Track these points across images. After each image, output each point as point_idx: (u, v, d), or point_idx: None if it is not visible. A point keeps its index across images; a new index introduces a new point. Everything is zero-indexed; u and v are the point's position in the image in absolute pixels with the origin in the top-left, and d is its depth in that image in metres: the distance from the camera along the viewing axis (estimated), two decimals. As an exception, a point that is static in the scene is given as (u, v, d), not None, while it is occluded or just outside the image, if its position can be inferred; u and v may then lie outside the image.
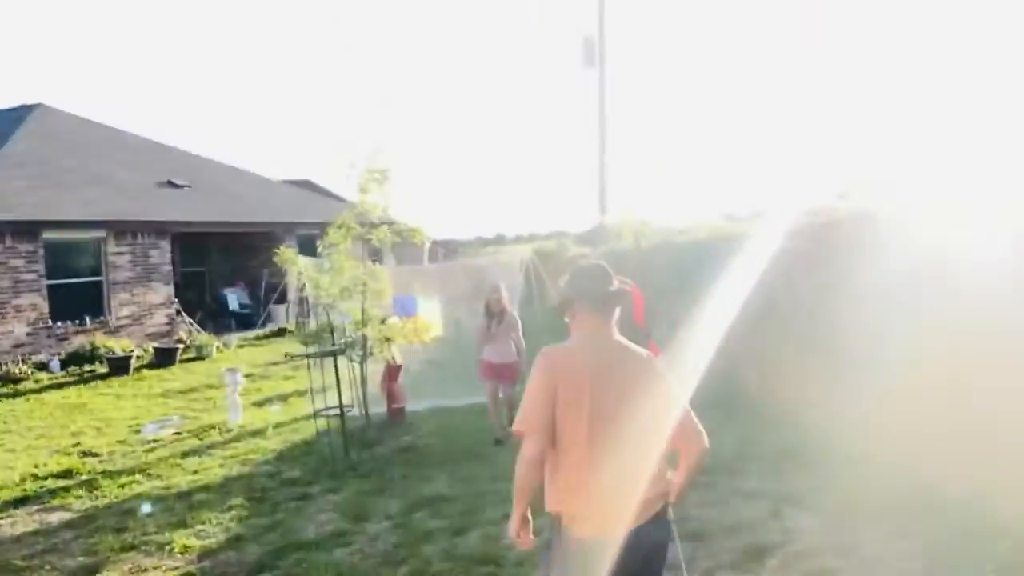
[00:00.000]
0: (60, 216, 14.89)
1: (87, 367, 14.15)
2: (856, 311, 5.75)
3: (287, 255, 7.91)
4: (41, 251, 14.41)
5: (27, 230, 14.16)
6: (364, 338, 7.59)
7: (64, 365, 14.13)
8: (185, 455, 8.02)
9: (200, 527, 5.76)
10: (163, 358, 14.81)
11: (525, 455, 2.58)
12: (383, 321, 7.94)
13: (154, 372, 14.20)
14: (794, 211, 7.82)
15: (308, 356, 7.41)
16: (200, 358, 15.41)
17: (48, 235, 14.53)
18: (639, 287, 12.98)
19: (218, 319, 18.89)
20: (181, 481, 7.04)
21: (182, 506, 6.30)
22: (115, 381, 13.29)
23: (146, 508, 5.33)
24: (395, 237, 7.85)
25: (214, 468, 7.41)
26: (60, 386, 12.98)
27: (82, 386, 12.93)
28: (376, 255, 16.62)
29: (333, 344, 7.24)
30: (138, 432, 9.34)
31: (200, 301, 19.20)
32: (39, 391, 12.55)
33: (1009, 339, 4.02)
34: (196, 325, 16.89)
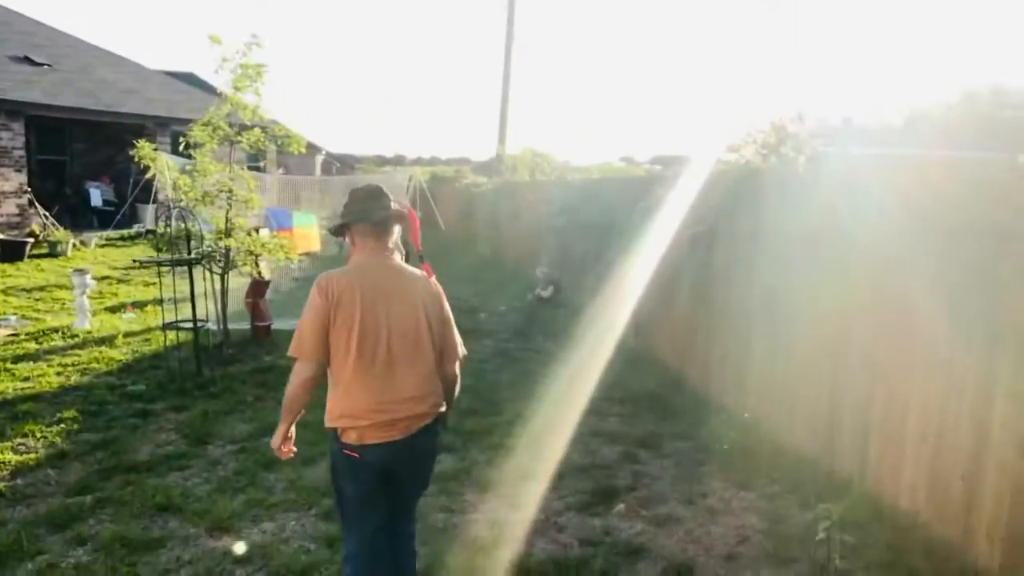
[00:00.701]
0: None
1: (-83, 254, 12.74)
2: (744, 266, 5.75)
3: (146, 150, 7.19)
4: None
5: None
6: (227, 250, 7.04)
7: None
8: (18, 359, 7.31)
9: (20, 440, 5.24)
10: (10, 252, 13.52)
11: (296, 379, 2.74)
12: (250, 233, 7.40)
13: (-2, 266, 12.96)
14: (688, 161, 7.77)
15: (159, 264, 6.80)
16: (53, 255, 14.18)
17: None
18: (532, 222, 12.71)
19: (78, 215, 17.41)
20: (8, 388, 6.40)
21: (3, 416, 5.72)
22: (-51, 273, 12.05)
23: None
24: (269, 143, 7.25)
25: (49, 376, 6.78)
26: None
27: (-91, 275, 11.65)
28: (259, 160, 15.62)
29: (190, 253, 6.66)
30: (-32, 331, 8.48)
31: (59, 193, 17.57)
32: None
33: (892, 306, 4.06)
34: (52, 219, 15.47)
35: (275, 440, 2.88)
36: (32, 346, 7.85)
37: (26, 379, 6.67)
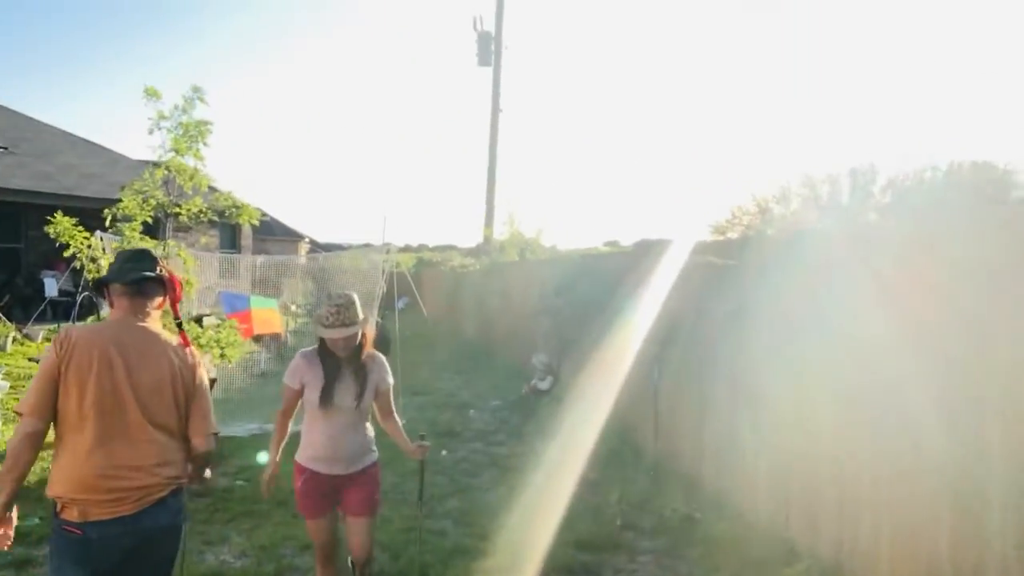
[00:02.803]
0: None
1: None
2: (798, 350, 4.56)
3: (64, 224, 6.03)
4: None
5: None
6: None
7: None
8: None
9: None
10: (-60, 348, 12.12)
11: (16, 433, 2.48)
12: (194, 321, 6.17)
13: (-75, 365, 11.52)
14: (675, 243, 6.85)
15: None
16: (-9, 351, 12.77)
17: None
18: (523, 303, 11.29)
19: (32, 305, 16.06)
20: None
21: None
22: None
23: None
24: (212, 214, 6.10)
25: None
26: None
27: None
28: (233, 246, 14.42)
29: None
30: None
31: (10, 283, 16.31)
32: None
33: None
34: (-2, 311, 14.12)
35: None
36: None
37: None
